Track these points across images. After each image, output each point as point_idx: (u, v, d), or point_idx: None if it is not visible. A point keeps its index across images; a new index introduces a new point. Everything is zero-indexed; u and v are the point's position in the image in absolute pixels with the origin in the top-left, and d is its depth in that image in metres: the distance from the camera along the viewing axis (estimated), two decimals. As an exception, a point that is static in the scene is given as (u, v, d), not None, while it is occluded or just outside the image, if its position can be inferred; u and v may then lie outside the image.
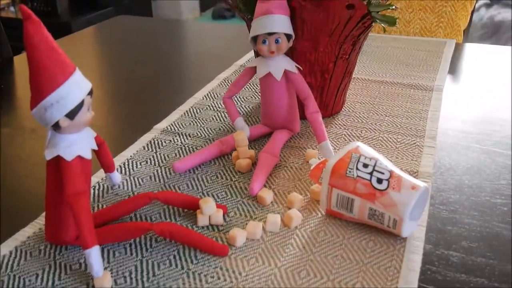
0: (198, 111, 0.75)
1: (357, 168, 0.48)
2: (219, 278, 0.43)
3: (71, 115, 0.42)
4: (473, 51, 1.04)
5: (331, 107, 0.72)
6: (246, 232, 0.48)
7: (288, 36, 0.60)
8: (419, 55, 0.96)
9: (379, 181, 0.47)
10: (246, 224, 0.50)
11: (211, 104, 0.78)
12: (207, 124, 0.71)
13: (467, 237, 0.49)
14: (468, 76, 0.89)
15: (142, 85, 0.88)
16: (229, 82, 0.86)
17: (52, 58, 0.41)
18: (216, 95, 0.81)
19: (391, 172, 0.48)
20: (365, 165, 0.48)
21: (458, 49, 1.02)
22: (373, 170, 0.48)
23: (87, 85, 0.43)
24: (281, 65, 0.61)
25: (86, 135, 0.45)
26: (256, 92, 0.81)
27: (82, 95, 0.42)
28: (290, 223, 0.49)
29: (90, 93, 0.44)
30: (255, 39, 0.60)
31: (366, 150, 0.50)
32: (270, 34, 0.58)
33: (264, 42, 0.59)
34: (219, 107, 0.76)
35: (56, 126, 0.42)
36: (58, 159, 0.43)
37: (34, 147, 0.68)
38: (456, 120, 0.72)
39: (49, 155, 0.43)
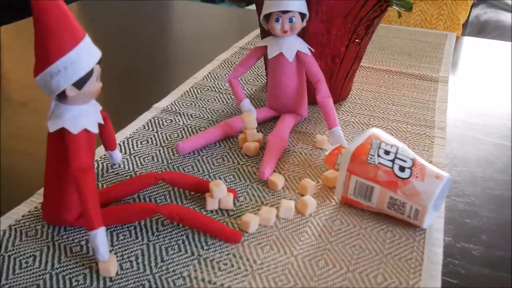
0: (199, 91, 0.72)
1: (378, 155, 0.45)
2: (232, 266, 0.41)
3: (80, 84, 0.38)
4: (473, 45, 1.03)
5: (338, 93, 0.69)
6: (259, 218, 0.45)
7: (302, 16, 0.57)
8: (421, 46, 0.95)
9: (402, 169, 0.45)
10: (258, 209, 0.48)
11: (212, 85, 0.74)
12: (209, 105, 0.68)
13: (486, 231, 0.47)
14: (470, 69, 0.88)
15: (137, 64, 0.84)
16: (230, 63, 0.83)
17: (62, 21, 0.37)
18: (217, 76, 0.77)
19: (413, 161, 0.45)
20: (387, 152, 0.46)
21: (458, 42, 1.01)
22: (395, 157, 0.45)
23: (97, 53, 0.40)
24: (293, 45, 0.58)
25: (92, 108, 0.42)
26: (259, 75, 0.78)
27: (92, 62, 0.39)
28: (304, 210, 0.47)
29: (99, 62, 0.40)
30: (267, 17, 0.57)
31: (386, 136, 0.48)
32: (285, 12, 0.55)
33: (277, 20, 0.56)
34: (221, 88, 0.73)
35: (62, 96, 0.39)
36: (62, 132, 0.39)
37: (25, 121, 0.64)
38: (463, 112, 0.71)
39: (53, 126, 0.39)
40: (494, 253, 0.44)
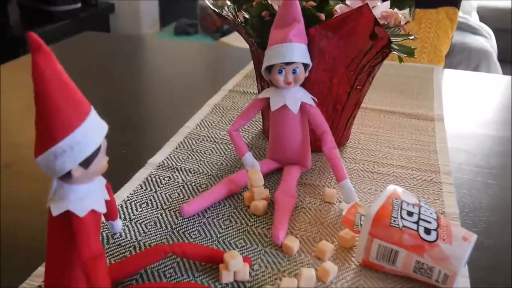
0: (194, 142, 0.69)
1: (401, 217, 0.43)
2: None
3: (87, 163, 0.35)
4: (455, 77, 1.04)
5: (338, 139, 0.67)
6: (280, 291, 0.42)
7: (305, 66, 0.55)
8: (410, 82, 0.95)
9: (427, 231, 0.43)
10: (275, 278, 0.45)
11: (206, 134, 0.71)
12: (207, 157, 0.65)
13: (514, 289, 0.45)
14: (459, 103, 0.88)
15: (122, 112, 0.81)
16: (222, 109, 0.80)
17: (66, 96, 0.34)
18: (210, 124, 0.75)
19: (437, 221, 0.44)
20: (410, 213, 0.44)
21: (443, 75, 1.02)
22: (419, 219, 0.43)
23: (104, 127, 0.37)
24: (297, 97, 0.56)
25: (98, 184, 0.38)
26: (253, 120, 0.76)
27: (100, 139, 0.36)
28: (326, 277, 0.44)
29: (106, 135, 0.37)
30: (269, 68, 0.55)
31: (405, 194, 0.46)
32: (288, 63, 0.54)
33: (280, 72, 0.54)
34: (216, 137, 0.71)
35: (66, 176, 0.35)
36: (67, 214, 0.36)
37: (11, 187, 0.59)
38: (466, 153, 0.70)
39: (56, 210, 0.36)
40: (527, 315, 0.43)
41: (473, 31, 3.03)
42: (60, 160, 0.34)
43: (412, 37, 0.60)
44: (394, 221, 0.43)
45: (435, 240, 0.42)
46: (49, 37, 1.13)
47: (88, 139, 0.35)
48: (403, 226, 0.43)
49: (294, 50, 0.53)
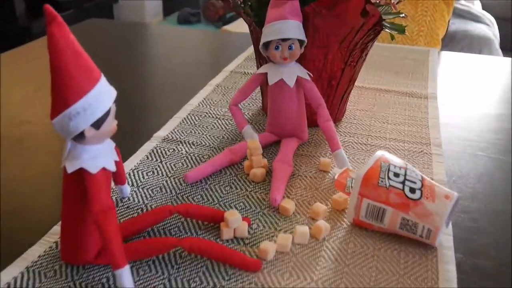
0: (197, 118, 0.73)
1: (388, 178, 0.47)
2: (256, 296, 0.41)
3: (98, 124, 0.39)
4: (451, 59, 1.06)
5: (334, 115, 0.71)
6: (276, 245, 0.46)
7: (300, 42, 0.58)
8: (406, 63, 0.98)
9: (412, 190, 0.46)
10: (272, 236, 0.48)
11: (209, 111, 0.75)
12: (209, 132, 0.69)
13: (494, 247, 0.49)
14: (453, 83, 0.91)
15: (129, 92, 0.85)
16: (223, 88, 0.84)
17: (79, 64, 0.38)
18: (212, 102, 0.78)
19: (422, 181, 0.47)
20: (396, 174, 0.47)
21: (440, 57, 1.05)
22: (405, 179, 0.47)
23: (113, 92, 0.40)
24: (293, 72, 0.59)
25: (108, 146, 0.42)
26: (253, 98, 0.80)
27: (109, 102, 0.39)
28: (319, 234, 0.48)
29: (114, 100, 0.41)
30: (266, 44, 0.58)
31: (393, 158, 0.50)
32: (284, 40, 0.57)
33: (277, 48, 0.57)
34: (218, 114, 0.74)
35: (80, 137, 0.39)
36: (80, 172, 0.40)
37: (25, 159, 0.63)
38: (457, 128, 0.73)
39: (71, 167, 0.39)
40: (503, 268, 0.46)
41: (475, 18, 3.04)
42: (74, 121, 0.38)
43: (403, 15, 0.63)
44: (382, 181, 0.47)
45: (419, 198, 0.46)
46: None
47: (99, 102, 0.38)
48: (390, 185, 0.46)
49: (290, 27, 0.57)
